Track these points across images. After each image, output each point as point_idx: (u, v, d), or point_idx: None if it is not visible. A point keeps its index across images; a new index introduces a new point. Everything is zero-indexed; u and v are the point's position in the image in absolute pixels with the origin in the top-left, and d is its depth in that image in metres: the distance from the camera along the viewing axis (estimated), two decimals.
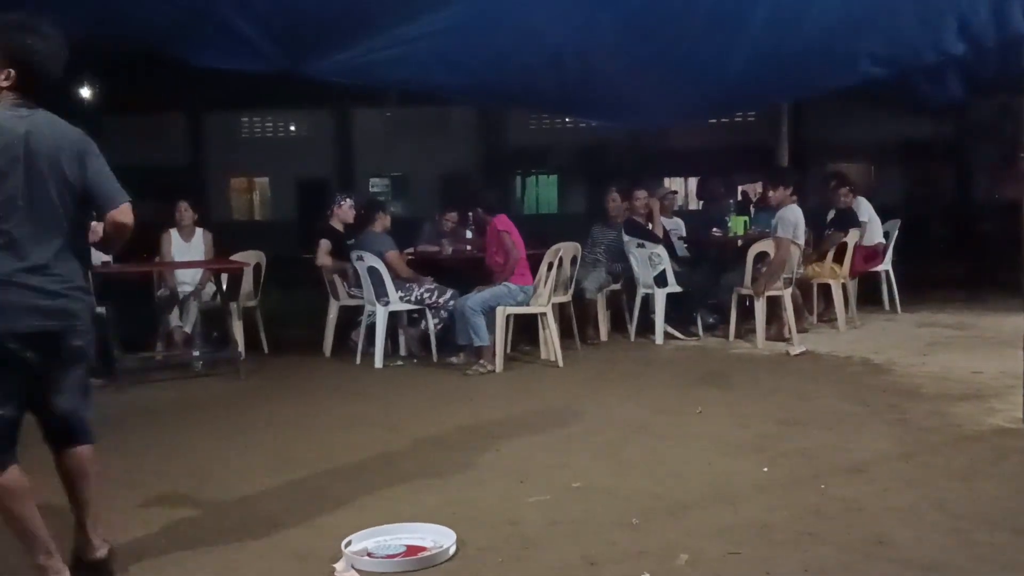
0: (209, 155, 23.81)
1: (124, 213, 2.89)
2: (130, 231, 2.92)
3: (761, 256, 7.48)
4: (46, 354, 2.83)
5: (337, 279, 7.45)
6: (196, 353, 6.89)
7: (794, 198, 7.59)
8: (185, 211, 7.49)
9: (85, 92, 10.80)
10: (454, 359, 6.92)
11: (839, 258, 8.29)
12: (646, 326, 7.87)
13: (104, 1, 5.36)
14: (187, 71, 6.76)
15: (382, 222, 7.26)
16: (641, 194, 8.21)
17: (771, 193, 7.83)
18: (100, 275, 6.10)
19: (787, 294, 7.43)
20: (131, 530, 3.57)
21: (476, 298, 6.73)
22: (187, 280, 7.35)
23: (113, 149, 3.17)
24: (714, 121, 19.94)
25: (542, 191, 25.44)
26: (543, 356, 7.07)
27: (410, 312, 7.23)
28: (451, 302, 7.12)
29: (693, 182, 22.19)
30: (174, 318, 7.25)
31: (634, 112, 9.02)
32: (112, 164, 2.94)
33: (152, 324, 7.32)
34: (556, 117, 22.47)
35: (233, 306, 7.20)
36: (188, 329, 7.20)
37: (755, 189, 14.72)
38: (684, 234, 9.01)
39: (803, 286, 8.01)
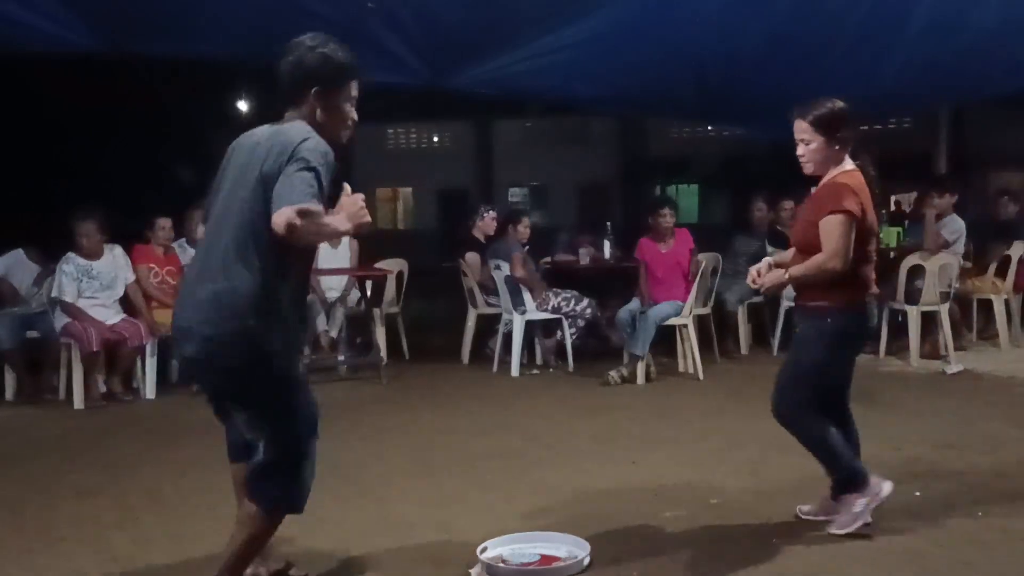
0: (356, 166, 24.66)
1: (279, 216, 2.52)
2: (289, 236, 2.52)
3: (915, 270, 7.12)
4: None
5: (476, 288, 7.56)
6: (341, 357, 7.12)
7: (953, 207, 7.23)
8: None
9: (242, 106, 11.38)
10: (614, 374, 6.53)
11: (1002, 272, 7.80)
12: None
13: (259, 23, 5.65)
14: None
15: (520, 231, 7.30)
16: (788, 204, 7.96)
17: (936, 200, 7.43)
18: None
19: (944, 309, 7.05)
20: None
21: (661, 311, 6.63)
22: (334, 286, 7.61)
23: None
24: (865, 128, 19.12)
25: (683, 200, 25.04)
26: (681, 369, 6.95)
27: (547, 321, 7.25)
28: (588, 311, 7.08)
29: None
30: (321, 323, 7.53)
31: (779, 119, 8.78)
32: None
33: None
34: (697, 126, 22.16)
35: (376, 312, 7.42)
36: (334, 334, 7.47)
37: (909, 199, 14.04)
38: None
39: (962, 301, 7.59)
